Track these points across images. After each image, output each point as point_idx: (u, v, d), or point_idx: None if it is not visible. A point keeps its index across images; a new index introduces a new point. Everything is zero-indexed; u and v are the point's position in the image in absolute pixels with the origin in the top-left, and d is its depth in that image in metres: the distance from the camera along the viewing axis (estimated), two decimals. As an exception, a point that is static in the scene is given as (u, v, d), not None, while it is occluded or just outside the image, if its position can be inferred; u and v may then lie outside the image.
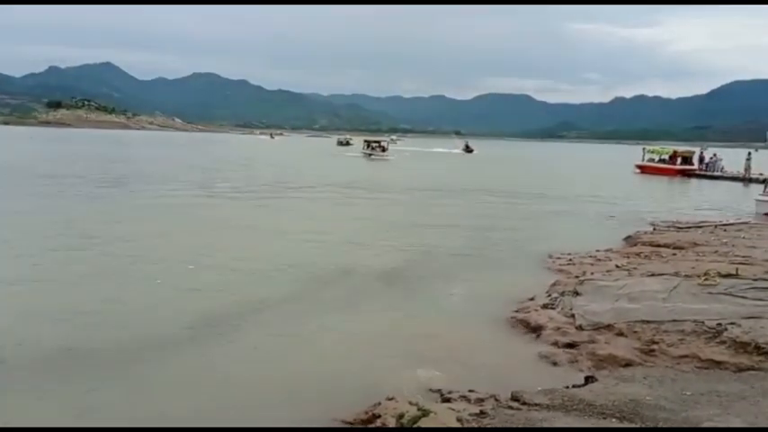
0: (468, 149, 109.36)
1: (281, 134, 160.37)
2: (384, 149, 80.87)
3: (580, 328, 10.07)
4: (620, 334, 9.61)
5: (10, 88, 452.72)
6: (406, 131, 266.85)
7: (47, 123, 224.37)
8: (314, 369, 8.75)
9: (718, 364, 8.33)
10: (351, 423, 7.13)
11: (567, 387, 7.71)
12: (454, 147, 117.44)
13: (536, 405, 7.04)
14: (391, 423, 6.74)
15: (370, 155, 79.56)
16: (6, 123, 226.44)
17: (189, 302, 11.70)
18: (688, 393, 7.23)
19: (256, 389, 8.07)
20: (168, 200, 27.81)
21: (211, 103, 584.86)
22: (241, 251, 16.74)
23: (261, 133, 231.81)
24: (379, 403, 7.21)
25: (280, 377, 8.48)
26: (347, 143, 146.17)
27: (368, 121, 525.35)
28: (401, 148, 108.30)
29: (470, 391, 7.63)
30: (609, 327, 9.87)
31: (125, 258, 15.22)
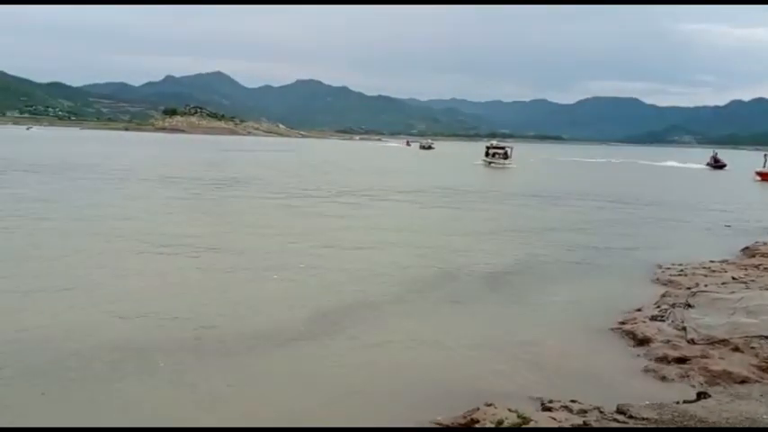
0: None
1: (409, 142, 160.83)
2: (506, 156, 71.84)
3: (692, 341, 9.57)
4: (736, 349, 9.06)
5: (130, 96, 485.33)
6: (505, 136, 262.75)
7: (162, 129, 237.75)
8: (414, 370, 8.79)
9: None
10: (449, 426, 7.09)
11: (678, 402, 7.35)
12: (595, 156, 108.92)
13: (643, 419, 6.74)
14: (490, 429, 6.67)
15: (489, 163, 71.24)
16: (126, 129, 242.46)
17: (303, 299, 12.04)
18: (811, 414, 6.71)
19: (363, 387, 8.19)
20: (283, 202, 28.81)
21: (313, 109, 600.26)
22: (349, 252, 17.11)
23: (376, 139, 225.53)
24: (478, 408, 7.14)
25: (384, 376, 8.59)
26: (429, 147, 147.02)
27: (466, 126, 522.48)
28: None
29: (573, 401, 7.41)
30: (724, 341, 9.33)
31: (240, 255, 15.89)
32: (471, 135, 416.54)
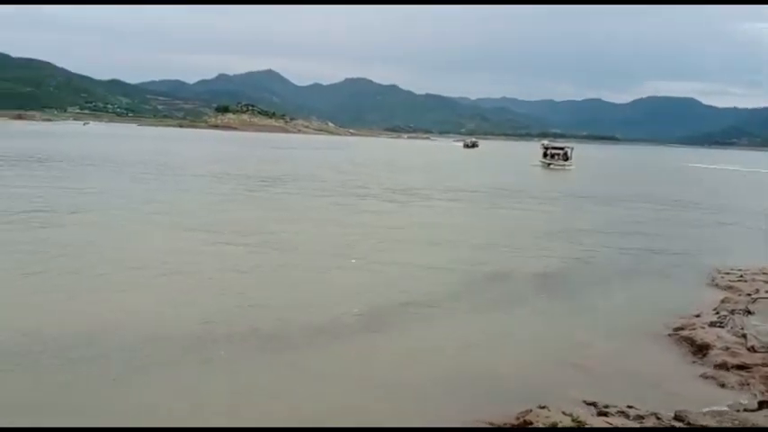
0: None
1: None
2: (567, 158, 66.75)
3: (753, 349, 9.33)
4: (799, 358, 8.79)
5: (184, 94, 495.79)
6: (556, 136, 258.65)
7: (215, 126, 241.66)
8: (465, 368, 8.82)
9: None
10: (501, 427, 7.10)
11: (738, 410, 7.19)
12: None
13: (702, 426, 6.62)
14: (544, 432, 6.65)
15: (549, 164, 66.52)
16: (181, 126, 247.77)
17: (358, 294, 12.21)
18: None
19: (415, 383, 8.24)
20: (334, 199, 29.16)
21: (362, 108, 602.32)
22: (402, 249, 17.22)
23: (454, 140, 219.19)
24: (531, 410, 7.12)
25: (435, 373, 8.61)
26: (473, 145, 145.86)
27: (516, 125, 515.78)
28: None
29: (629, 406, 7.33)
30: (786, 350, 9.05)
31: (293, 252, 16.17)
32: (522, 134, 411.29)
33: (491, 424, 7.16)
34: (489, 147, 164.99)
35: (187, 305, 11.03)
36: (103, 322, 9.76)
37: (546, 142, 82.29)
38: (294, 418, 7.10)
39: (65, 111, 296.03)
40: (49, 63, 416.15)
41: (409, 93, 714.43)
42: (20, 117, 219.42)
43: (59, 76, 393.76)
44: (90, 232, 17.25)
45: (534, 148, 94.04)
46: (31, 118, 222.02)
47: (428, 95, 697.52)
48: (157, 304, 10.97)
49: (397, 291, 12.68)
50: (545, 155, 69.75)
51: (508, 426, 7.11)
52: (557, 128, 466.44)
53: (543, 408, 7.17)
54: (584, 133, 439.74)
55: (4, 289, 11.42)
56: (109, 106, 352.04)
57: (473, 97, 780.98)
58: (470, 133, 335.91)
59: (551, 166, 65.42)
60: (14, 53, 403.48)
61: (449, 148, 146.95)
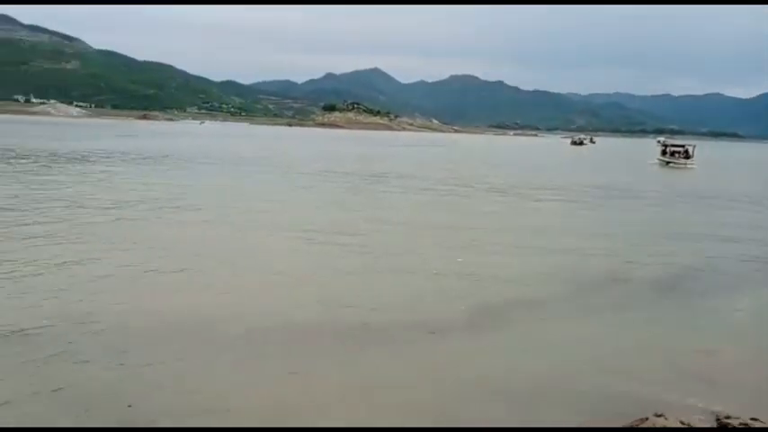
0: None
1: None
2: (688, 156, 62.33)
3: None
4: None
5: (294, 93, 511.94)
6: (673, 133, 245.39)
7: (322, 125, 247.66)
8: (576, 373, 8.57)
9: None
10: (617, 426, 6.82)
11: None
12: None
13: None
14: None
15: (668, 162, 62.61)
16: (290, 125, 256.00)
17: (463, 293, 12.12)
18: None
19: (520, 387, 8.10)
20: (439, 197, 29.22)
21: (467, 105, 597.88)
22: (509, 248, 16.96)
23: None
24: (647, 418, 6.78)
25: (542, 377, 8.42)
26: (581, 142, 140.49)
27: (630, 122, 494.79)
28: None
29: (753, 419, 6.81)
30: None
31: (398, 251, 16.27)
32: (636, 131, 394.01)
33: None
34: (600, 144, 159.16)
35: (295, 300, 11.32)
36: (215, 314, 10.16)
37: (663, 139, 77.99)
38: (409, 413, 7.12)
39: (184, 110, 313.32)
40: (170, 66, 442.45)
41: (516, 89, 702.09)
42: (144, 117, 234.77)
43: (179, 78, 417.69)
44: (203, 229, 18.07)
45: (650, 146, 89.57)
46: (154, 118, 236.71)
47: (536, 91, 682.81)
48: (267, 298, 11.34)
49: (504, 291, 12.51)
50: (663, 152, 66.09)
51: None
52: (674, 124, 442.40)
53: (660, 416, 6.82)
54: (704, 130, 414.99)
55: (109, 284, 11.98)
56: (223, 106, 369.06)
57: (584, 93, 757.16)
58: (580, 130, 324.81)
59: (670, 165, 61.49)
60: (140, 57, 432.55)
61: (556, 145, 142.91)
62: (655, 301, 12.39)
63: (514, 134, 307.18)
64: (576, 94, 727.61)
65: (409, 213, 23.18)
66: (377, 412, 7.08)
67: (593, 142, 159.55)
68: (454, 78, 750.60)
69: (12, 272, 11.90)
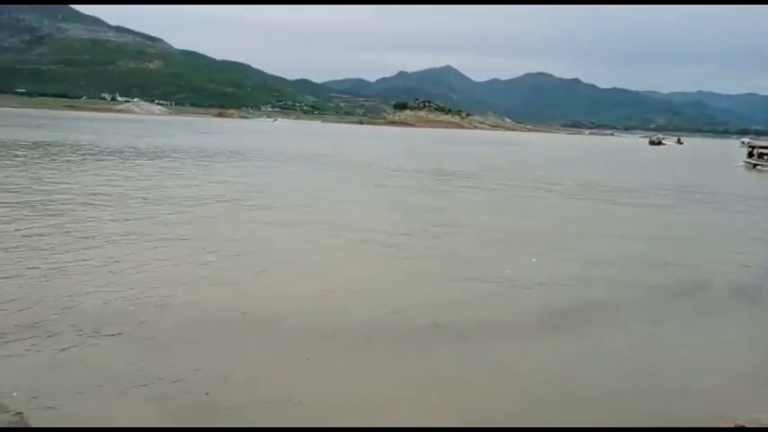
0: None
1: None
2: None
3: None
4: None
5: (366, 91, 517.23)
6: (758, 134, 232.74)
7: (393, 123, 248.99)
8: (656, 377, 8.12)
9: None
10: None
11: None
12: None
13: None
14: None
15: (755, 165, 58.61)
16: (361, 123, 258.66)
17: (536, 293, 11.85)
18: None
19: (600, 386, 7.78)
20: (511, 195, 28.61)
21: (540, 103, 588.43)
22: (583, 249, 16.44)
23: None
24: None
25: (622, 380, 8.06)
26: (659, 142, 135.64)
27: (714, 121, 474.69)
28: None
29: None
30: None
31: (468, 248, 16.01)
32: (719, 131, 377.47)
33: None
34: (682, 144, 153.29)
35: (364, 299, 11.28)
36: (291, 307, 10.27)
37: (747, 140, 73.76)
38: (478, 414, 6.92)
39: (258, 109, 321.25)
40: (247, 65, 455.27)
41: (592, 87, 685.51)
42: (220, 115, 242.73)
43: (255, 77, 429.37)
44: (275, 227, 18.29)
45: (734, 147, 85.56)
46: (230, 116, 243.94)
47: (613, 89, 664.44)
48: (336, 296, 11.32)
49: (580, 291, 12.14)
50: (750, 154, 62.00)
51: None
52: (759, 124, 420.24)
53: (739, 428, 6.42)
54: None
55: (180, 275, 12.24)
56: (297, 104, 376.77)
57: (664, 91, 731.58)
58: (659, 129, 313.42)
59: (758, 168, 57.62)
60: (218, 56, 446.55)
61: (633, 145, 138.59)
62: (741, 308, 11.78)
63: (590, 133, 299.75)
64: (655, 92, 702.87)
65: (480, 213, 22.84)
66: (443, 412, 6.91)
67: (681, 143, 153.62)
68: (528, 76, 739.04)
69: (88, 261, 12.39)
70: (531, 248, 16.10)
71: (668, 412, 7.09)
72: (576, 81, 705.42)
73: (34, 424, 5.99)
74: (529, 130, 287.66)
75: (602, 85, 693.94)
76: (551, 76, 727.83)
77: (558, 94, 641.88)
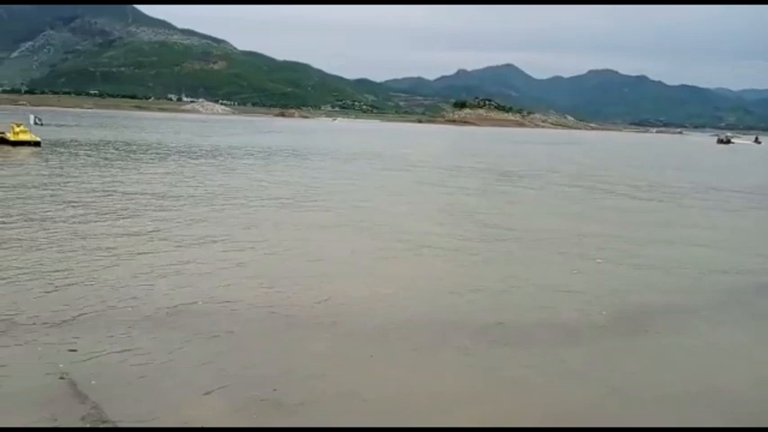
0: None
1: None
2: None
3: None
4: None
5: (425, 90, 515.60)
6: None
7: (452, 122, 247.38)
8: (725, 384, 7.89)
9: None
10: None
11: None
12: None
13: None
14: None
15: None
16: (419, 122, 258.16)
17: (604, 295, 11.59)
18: None
19: (668, 391, 7.55)
20: (579, 194, 28.11)
21: (605, 101, 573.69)
22: (655, 249, 16.10)
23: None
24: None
25: (691, 385, 7.85)
26: (728, 141, 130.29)
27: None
28: None
29: None
30: None
31: (535, 250, 15.82)
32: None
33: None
34: (753, 143, 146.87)
35: (431, 297, 11.28)
36: (354, 307, 10.40)
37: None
38: (550, 415, 6.87)
39: (318, 108, 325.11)
40: (307, 65, 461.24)
41: (659, 84, 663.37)
42: (281, 114, 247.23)
43: (315, 77, 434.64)
44: (340, 225, 18.73)
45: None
46: (290, 115, 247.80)
47: (682, 86, 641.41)
48: (403, 296, 11.38)
49: (649, 294, 11.81)
50: None
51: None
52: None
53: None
54: None
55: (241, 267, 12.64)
56: (356, 104, 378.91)
57: (735, 88, 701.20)
58: (730, 128, 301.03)
59: None
60: (279, 57, 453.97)
61: (702, 144, 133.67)
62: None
63: (657, 132, 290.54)
64: (726, 90, 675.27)
65: (544, 211, 22.63)
66: (509, 413, 6.86)
67: (759, 142, 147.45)
68: (592, 73, 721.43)
69: (162, 262, 12.97)
70: (595, 252, 15.78)
71: (752, 412, 6.95)
72: (642, 78, 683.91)
73: (110, 414, 6.29)
74: (592, 128, 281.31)
75: (670, 81, 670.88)
76: (616, 72, 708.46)
77: (624, 91, 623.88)
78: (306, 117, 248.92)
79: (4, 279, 10.74)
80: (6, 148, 38.10)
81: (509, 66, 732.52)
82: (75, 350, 7.87)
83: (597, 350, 8.89)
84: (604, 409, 7.10)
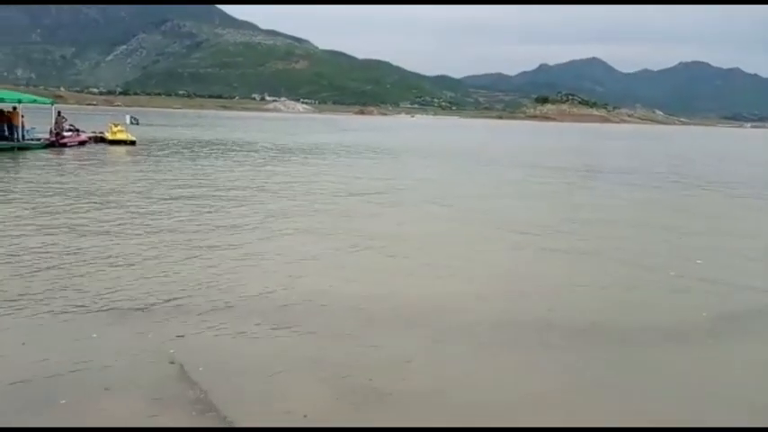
0: None
1: None
2: None
3: None
4: None
5: (505, 86, 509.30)
6: None
7: (533, 117, 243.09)
8: None
9: None
10: None
11: None
12: None
13: None
14: None
15: None
16: (500, 118, 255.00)
17: (702, 297, 10.95)
18: None
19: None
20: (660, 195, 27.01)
21: (696, 94, 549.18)
22: (754, 253, 14.99)
23: None
24: None
25: None
26: None
27: None
28: None
29: None
30: None
31: (630, 249, 15.13)
32: None
33: None
34: None
35: (520, 296, 10.97)
36: (445, 303, 10.17)
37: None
38: (642, 420, 6.44)
39: (397, 105, 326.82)
40: (387, 62, 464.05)
41: (755, 76, 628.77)
42: (361, 112, 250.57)
43: (395, 74, 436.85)
44: (424, 220, 18.42)
45: None
46: (370, 113, 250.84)
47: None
48: (492, 295, 11.06)
49: (752, 299, 10.98)
50: None
51: None
52: None
53: None
54: None
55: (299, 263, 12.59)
56: (435, 100, 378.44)
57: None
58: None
59: None
60: (360, 55, 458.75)
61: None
62: None
63: (752, 126, 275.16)
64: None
65: (632, 211, 21.65)
66: (603, 416, 6.53)
67: None
68: (682, 66, 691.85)
69: (256, 253, 12.96)
70: (695, 249, 15.01)
71: None
72: (735, 70, 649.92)
73: (216, 402, 6.45)
74: (682, 123, 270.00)
75: (766, 74, 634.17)
76: (708, 65, 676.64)
77: (716, 84, 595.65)
78: (384, 114, 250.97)
79: (115, 266, 11.21)
80: (104, 146, 40.20)
81: (594, 59, 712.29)
82: (182, 335, 8.13)
83: (700, 353, 8.39)
84: (713, 416, 6.59)
